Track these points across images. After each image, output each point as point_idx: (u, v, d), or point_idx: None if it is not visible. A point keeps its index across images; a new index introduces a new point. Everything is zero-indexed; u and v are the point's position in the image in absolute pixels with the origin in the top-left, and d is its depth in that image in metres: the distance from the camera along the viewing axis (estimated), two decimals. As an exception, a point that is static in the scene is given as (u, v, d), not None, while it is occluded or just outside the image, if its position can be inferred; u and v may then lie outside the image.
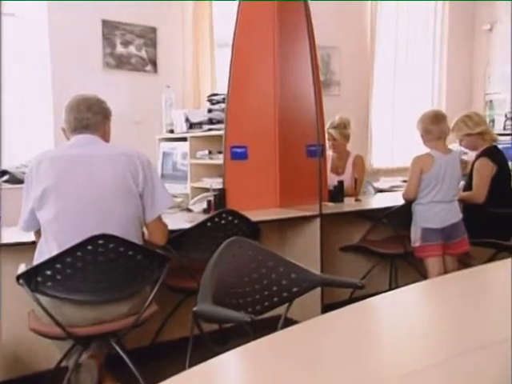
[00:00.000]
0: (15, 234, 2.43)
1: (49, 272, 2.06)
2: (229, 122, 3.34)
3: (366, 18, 5.96)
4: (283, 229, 3.45)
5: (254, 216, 2.84)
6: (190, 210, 3.37)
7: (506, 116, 6.01)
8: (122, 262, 2.15)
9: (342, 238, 3.69)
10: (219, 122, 3.55)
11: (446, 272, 3.15)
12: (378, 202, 4.28)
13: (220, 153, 3.46)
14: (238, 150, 3.36)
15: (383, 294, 1.56)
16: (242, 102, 3.39)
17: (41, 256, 2.16)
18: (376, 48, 6.00)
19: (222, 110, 3.51)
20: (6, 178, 4.12)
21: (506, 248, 3.53)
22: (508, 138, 5.33)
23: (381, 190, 4.71)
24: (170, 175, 3.94)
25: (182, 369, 1.05)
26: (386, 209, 3.44)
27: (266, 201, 3.43)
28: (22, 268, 2.15)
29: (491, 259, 3.50)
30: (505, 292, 1.52)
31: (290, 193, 3.48)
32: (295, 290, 1.85)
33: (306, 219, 3.23)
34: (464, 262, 3.39)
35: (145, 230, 2.40)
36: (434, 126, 3.21)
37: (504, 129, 5.89)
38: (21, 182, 2.81)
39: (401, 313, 1.48)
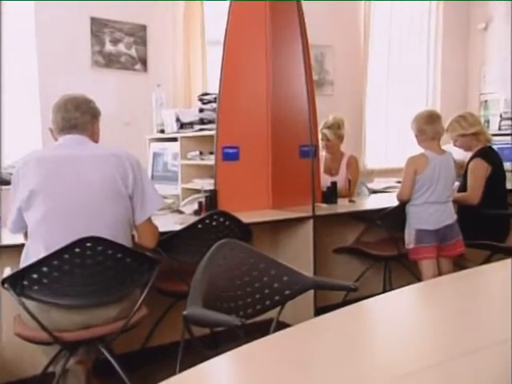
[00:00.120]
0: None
1: (35, 275, 2.02)
2: (220, 122, 3.31)
3: (359, 17, 5.93)
4: (276, 230, 3.42)
5: (246, 217, 2.82)
6: (180, 212, 3.34)
7: (500, 116, 5.99)
8: (111, 264, 2.11)
9: (336, 240, 3.66)
10: (210, 122, 3.52)
11: (440, 274, 3.12)
12: (371, 203, 4.26)
13: (211, 153, 3.42)
14: (230, 151, 3.32)
15: (377, 297, 1.53)
16: (233, 101, 3.36)
17: (27, 259, 2.12)
18: (370, 47, 5.97)
19: (214, 110, 3.47)
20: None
21: (501, 249, 3.51)
22: (503, 138, 5.31)
23: (375, 191, 4.69)
24: (161, 176, 3.89)
25: (173, 374, 1.04)
26: (380, 210, 3.41)
27: (258, 202, 3.40)
28: (8, 272, 2.11)
29: (486, 261, 3.48)
30: (501, 294, 1.50)
31: (283, 194, 3.45)
32: (287, 292, 1.83)
33: (299, 221, 3.20)
34: (459, 263, 3.36)
35: (134, 232, 2.37)
36: (428, 126, 3.19)
37: (499, 129, 5.88)
38: (7, 183, 2.76)
39: (395, 315, 1.46)
